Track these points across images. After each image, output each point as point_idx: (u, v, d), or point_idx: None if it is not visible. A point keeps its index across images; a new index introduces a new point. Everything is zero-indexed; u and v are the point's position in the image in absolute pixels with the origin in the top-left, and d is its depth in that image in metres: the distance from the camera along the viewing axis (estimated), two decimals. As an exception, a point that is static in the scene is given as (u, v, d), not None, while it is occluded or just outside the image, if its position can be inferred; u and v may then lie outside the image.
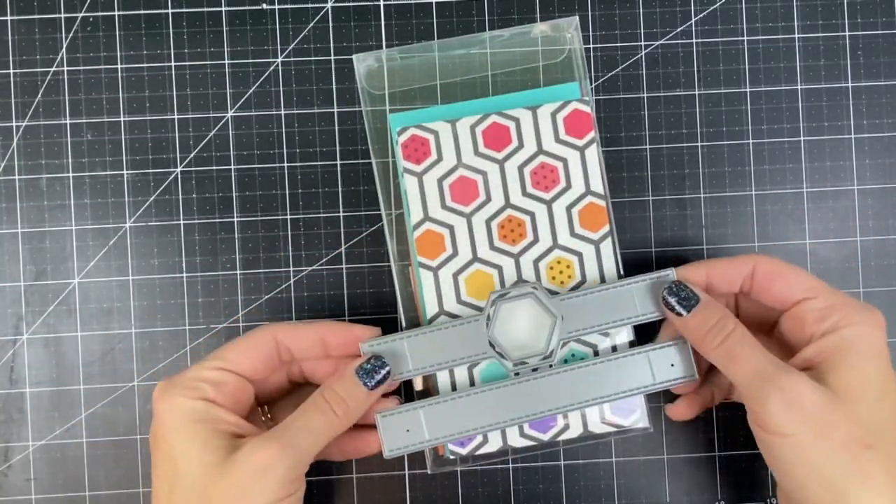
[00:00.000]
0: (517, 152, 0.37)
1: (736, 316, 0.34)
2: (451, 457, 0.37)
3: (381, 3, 0.40)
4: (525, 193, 0.37)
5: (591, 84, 0.40)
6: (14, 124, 0.39)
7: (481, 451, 0.36)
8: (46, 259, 0.39)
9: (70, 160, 0.39)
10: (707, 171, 0.40)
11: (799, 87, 0.40)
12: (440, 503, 0.39)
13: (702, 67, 0.40)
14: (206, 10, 0.40)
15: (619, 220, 0.40)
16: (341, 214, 0.40)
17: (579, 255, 0.37)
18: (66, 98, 0.39)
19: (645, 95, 0.40)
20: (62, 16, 0.40)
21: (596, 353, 0.36)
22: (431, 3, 0.40)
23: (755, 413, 0.32)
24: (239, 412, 0.33)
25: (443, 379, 0.37)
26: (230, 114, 0.39)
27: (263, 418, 0.36)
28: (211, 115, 0.39)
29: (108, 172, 0.39)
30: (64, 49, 0.40)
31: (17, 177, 0.39)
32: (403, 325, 0.38)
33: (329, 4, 0.40)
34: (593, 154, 0.37)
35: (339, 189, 0.40)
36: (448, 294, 0.37)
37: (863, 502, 0.30)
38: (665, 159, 0.40)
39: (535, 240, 0.37)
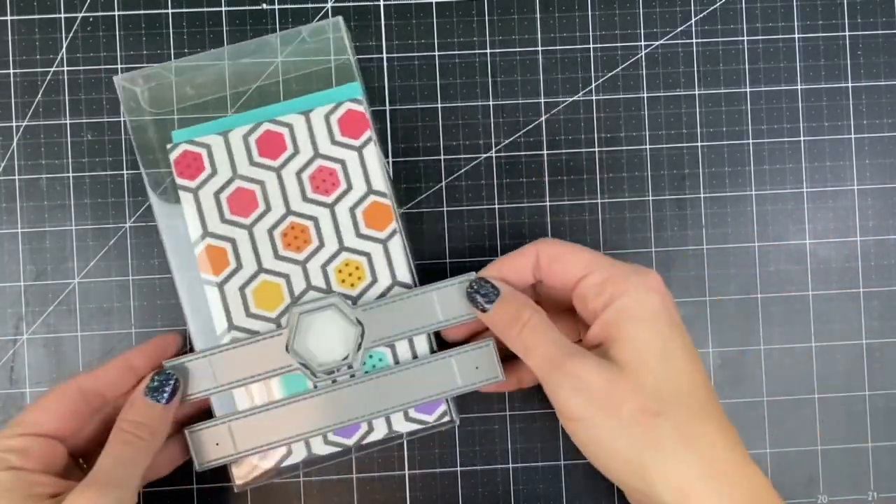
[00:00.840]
0: (293, 158, 0.37)
1: (539, 305, 0.34)
2: (257, 473, 0.36)
3: (381, 3, 0.40)
4: (305, 199, 0.37)
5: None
6: (14, 124, 0.39)
7: (286, 462, 0.36)
8: (46, 259, 0.39)
9: (70, 160, 0.39)
10: (707, 171, 0.40)
11: (799, 87, 0.40)
12: (440, 503, 0.39)
13: (702, 67, 0.40)
14: (206, 10, 0.40)
15: (620, 219, 0.40)
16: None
17: (367, 255, 0.37)
18: (66, 98, 0.39)
19: (645, 95, 0.40)
20: (62, 16, 0.40)
21: (396, 361, 0.37)
22: (431, 3, 0.40)
23: (552, 401, 0.33)
24: (54, 472, 0.33)
25: (240, 394, 0.36)
26: (230, 114, 0.39)
27: (84, 468, 0.36)
28: (210, 116, 0.39)
29: (108, 172, 0.39)
30: (64, 49, 0.40)
31: (17, 177, 0.39)
32: (191, 339, 0.38)
33: (329, 4, 0.40)
34: (372, 153, 0.37)
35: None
36: (236, 308, 0.37)
37: (660, 469, 0.30)
38: (665, 159, 0.40)
39: (321, 244, 0.37)
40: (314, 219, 0.37)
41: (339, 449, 0.37)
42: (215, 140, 0.37)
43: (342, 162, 0.37)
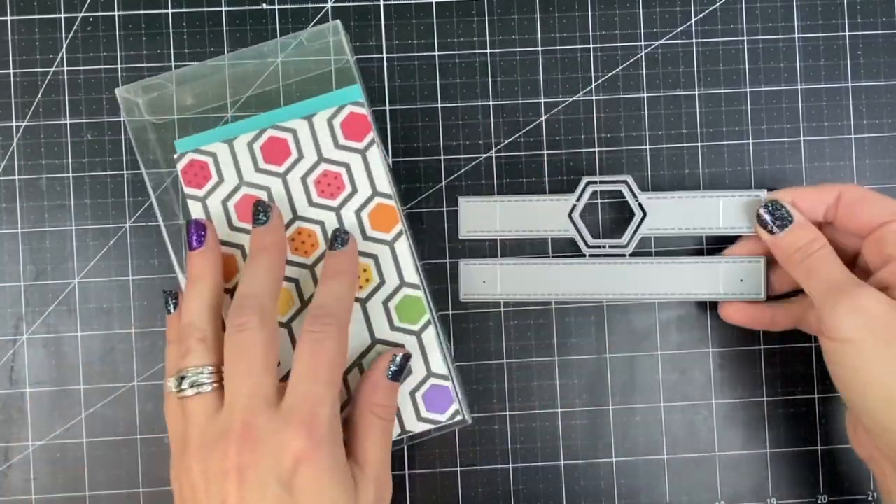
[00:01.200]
0: (298, 163, 0.37)
1: None
2: None
3: (381, 3, 0.40)
4: (312, 204, 0.37)
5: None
6: (14, 124, 0.39)
7: None
8: (46, 259, 0.39)
9: (70, 160, 0.39)
10: (707, 171, 0.40)
11: (799, 87, 0.40)
12: (440, 503, 0.39)
13: (702, 67, 0.40)
14: (206, 10, 0.40)
15: (619, 219, 0.40)
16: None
17: (374, 257, 0.37)
18: (66, 98, 0.39)
19: (645, 95, 0.40)
20: (62, 16, 0.40)
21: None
22: (431, 3, 0.40)
23: (823, 322, 0.33)
24: None
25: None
26: (230, 114, 0.39)
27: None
28: (211, 116, 0.39)
29: (107, 172, 0.39)
30: (64, 49, 0.40)
31: (17, 177, 0.39)
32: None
33: (329, 4, 0.40)
34: (375, 155, 0.37)
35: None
36: None
37: None
38: (665, 159, 0.40)
39: (328, 248, 0.37)
40: (321, 223, 0.37)
41: None
42: (221, 148, 0.37)
43: (346, 165, 0.37)
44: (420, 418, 0.37)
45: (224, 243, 0.37)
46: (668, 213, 0.37)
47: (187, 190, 0.37)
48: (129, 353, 0.39)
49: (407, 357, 0.35)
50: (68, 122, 0.39)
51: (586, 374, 0.40)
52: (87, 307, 0.39)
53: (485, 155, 0.40)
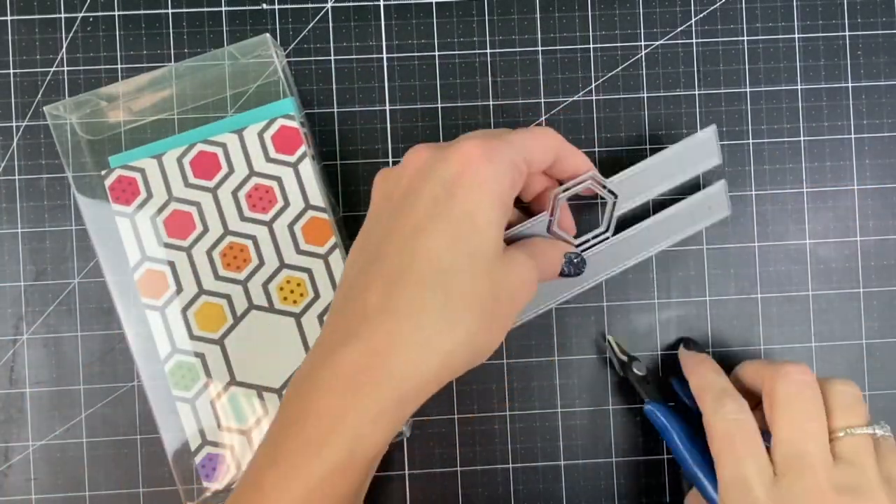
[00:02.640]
0: (229, 178, 0.37)
1: None
2: (207, 494, 0.37)
3: (381, 3, 0.40)
4: (243, 218, 0.37)
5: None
6: (14, 124, 0.39)
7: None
8: (46, 259, 0.39)
9: (70, 160, 0.39)
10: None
11: (799, 87, 0.40)
12: (440, 503, 0.39)
13: (702, 67, 0.40)
14: (206, 10, 0.40)
15: (620, 219, 0.40)
16: (341, 215, 0.40)
17: (308, 271, 0.37)
18: (66, 98, 0.39)
19: (645, 95, 0.40)
20: (62, 16, 0.40)
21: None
22: (431, 3, 0.40)
23: None
24: None
25: None
26: (230, 114, 0.39)
27: None
28: (211, 116, 0.39)
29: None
30: (64, 49, 0.40)
31: (17, 177, 0.39)
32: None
33: (329, 4, 0.40)
34: (307, 168, 0.37)
35: (339, 189, 0.40)
36: (179, 332, 0.37)
37: None
38: (665, 159, 0.40)
39: (261, 263, 0.37)
40: (252, 237, 0.37)
41: None
42: (149, 163, 0.37)
43: (278, 179, 0.37)
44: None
45: (154, 260, 0.37)
46: (636, 185, 0.36)
47: (115, 206, 0.37)
48: (129, 353, 0.39)
49: (581, 262, 0.35)
50: (68, 122, 0.39)
51: (586, 374, 0.40)
52: (87, 307, 0.39)
53: (485, 155, 0.40)
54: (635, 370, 0.38)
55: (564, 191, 0.34)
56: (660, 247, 0.37)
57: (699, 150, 0.37)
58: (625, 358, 0.38)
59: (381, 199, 0.32)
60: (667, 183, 0.37)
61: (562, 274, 0.35)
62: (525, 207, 0.37)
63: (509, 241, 0.34)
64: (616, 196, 0.36)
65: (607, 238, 0.36)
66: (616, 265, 0.37)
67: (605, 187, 0.35)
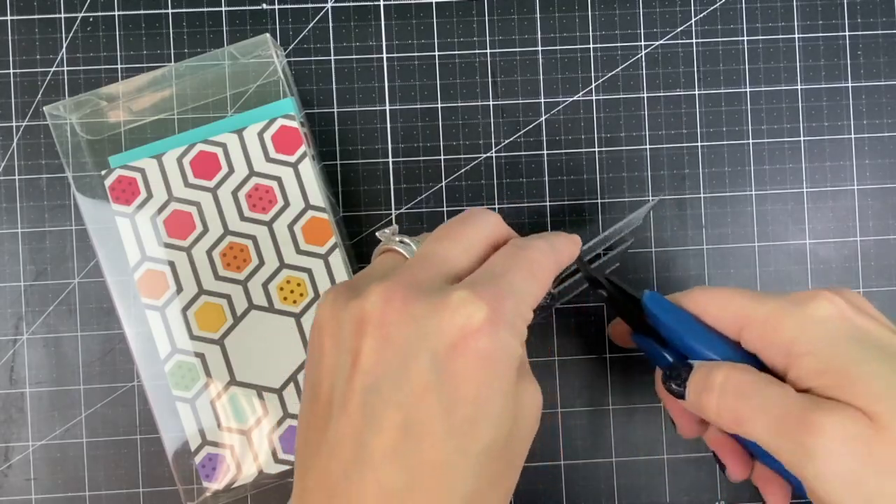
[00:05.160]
0: (229, 178, 0.37)
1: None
2: (207, 494, 0.37)
3: (381, 3, 0.40)
4: (243, 218, 0.37)
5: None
6: (14, 124, 0.39)
7: (237, 483, 0.37)
8: (46, 259, 0.39)
9: (70, 160, 0.39)
10: (707, 171, 0.40)
11: (799, 87, 0.40)
12: (440, 503, 0.39)
13: (702, 67, 0.40)
14: (206, 10, 0.40)
15: (620, 219, 0.40)
16: (341, 215, 0.40)
17: (308, 271, 0.37)
18: (66, 98, 0.39)
19: (645, 95, 0.40)
20: (62, 16, 0.40)
21: None
22: (431, 3, 0.40)
23: (798, 474, 0.26)
24: None
25: None
26: (230, 114, 0.39)
27: None
28: (211, 116, 0.39)
29: (108, 172, 0.39)
30: (64, 49, 0.40)
31: (17, 177, 0.39)
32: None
33: (329, 4, 0.40)
34: (307, 168, 0.37)
35: (339, 189, 0.40)
36: (179, 332, 0.37)
37: None
38: (665, 159, 0.40)
39: (261, 263, 0.37)
40: (252, 237, 0.37)
41: (290, 468, 0.37)
42: (149, 164, 0.37)
43: (278, 179, 0.37)
44: (277, 460, 0.37)
45: (154, 260, 0.37)
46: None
47: (115, 206, 0.37)
48: (129, 353, 0.39)
49: (552, 301, 0.31)
50: (68, 122, 0.39)
51: (586, 374, 0.40)
52: (87, 307, 0.39)
53: (485, 155, 0.40)
54: (606, 271, 0.34)
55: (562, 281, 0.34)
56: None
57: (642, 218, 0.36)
58: (591, 266, 0.34)
59: (328, 360, 0.25)
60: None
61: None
62: None
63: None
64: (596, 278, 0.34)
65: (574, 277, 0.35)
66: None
67: (589, 274, 0.33)
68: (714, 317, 0.29)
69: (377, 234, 0.30)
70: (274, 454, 0.37)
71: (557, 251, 0.28)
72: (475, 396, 0.23)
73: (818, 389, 0.26)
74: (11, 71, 0.39)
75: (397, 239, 0.29)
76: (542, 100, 0.40)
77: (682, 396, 0.29)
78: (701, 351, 0.29)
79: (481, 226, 0.28)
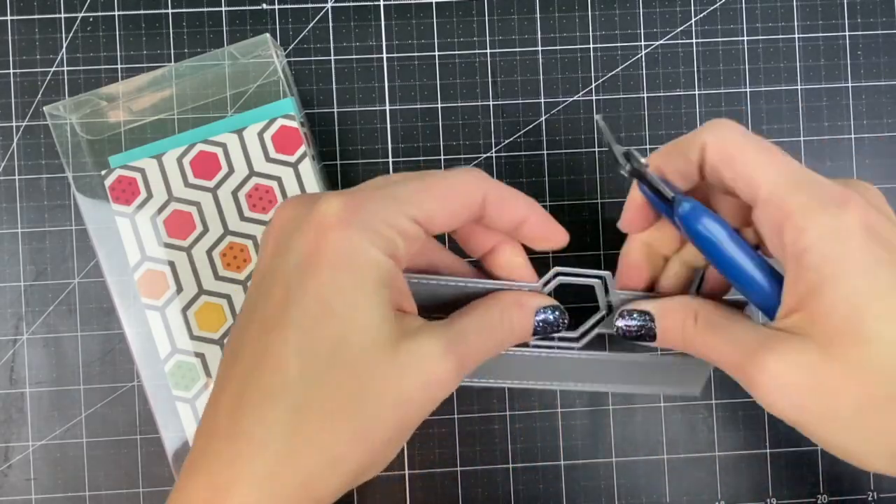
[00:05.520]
0: (229, 178, 0.37)
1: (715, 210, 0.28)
2: None
3: (381, 3, 0.40)
4: (243, 218, 0.37)
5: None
6: (14, 124, 0.39)
7: None
8: (46, 259, 0.39)
9: (70, 160, 0.39)
10: (707, 171, 0.40)
11: (799, 87, 0.40)
12: (440, 503, 0.39)
13: (702, 67, 0.40)
14: (206, 10, 0.40)
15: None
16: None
17: None
18: (66, 98, 0.39)
19: (645, 95, 0.40)
20: (62, 16, 0.40)
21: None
22: (431, 3, 0.40)
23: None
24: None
25: None
26: (230, 114, 0.39)
27: None
28: (211, 116, 0.39)
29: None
30: (64, 49, 0.40)
31: (17, 177, 0.39)
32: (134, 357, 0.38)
33: (329, 4, 0.40)
34: (307, 168, 0.37)
35: (340, 189, 0.40)
36: (179, 332, 0.37)
37: None
38: (665, 159, 0.40)
39: None
40: (252, 237, 0.37)
41: None
42: (149, 164, 0.37)
43: (278, 179, 0.37)
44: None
45: (154, 260, 0.37)
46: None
47: (115, 206, 0.37)
48: (129, 353, 0.39)
49: (563, 314, 0.29)
50: (68, 122, 0.39)
51: (586, 374, 0.40)
52: (87, 307, 0.39)
53: (485, 155, 0.40)
54: (640, 159, 0.29)
55: (559, 274, 0.30)
56: (617, 385, 0.33)
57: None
58: (622, 148, 0.29)
59: (255, 272, 0.26)
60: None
61: (535, 333, 0.29)
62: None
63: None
64: (610, 310, 0.31)
65: (573, 347, 0.32)
66: (565, 381, 0.33)
67: (607, 294, 0.31)
68: (738, 179, 0.26)
69: None
70: None
71: (481, 179, 0.27)
72: (318, 292, 0.23)
73: (797, 306, 0.25)
74: (11, 71, 0.39)
75: None
76: (542, 100, 0.40)
77: (653, 340, 0.29)
78: (726, 258, 0.27)
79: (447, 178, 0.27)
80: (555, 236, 0.29)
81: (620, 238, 0.40)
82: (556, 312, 0.29)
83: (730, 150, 0.26)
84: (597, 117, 0.31)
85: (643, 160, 0.29)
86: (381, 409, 0.23)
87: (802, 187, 0.25)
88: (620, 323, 0.30)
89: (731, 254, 0.27)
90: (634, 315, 0.30)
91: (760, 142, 0.26)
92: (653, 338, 0.30)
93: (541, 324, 0.29)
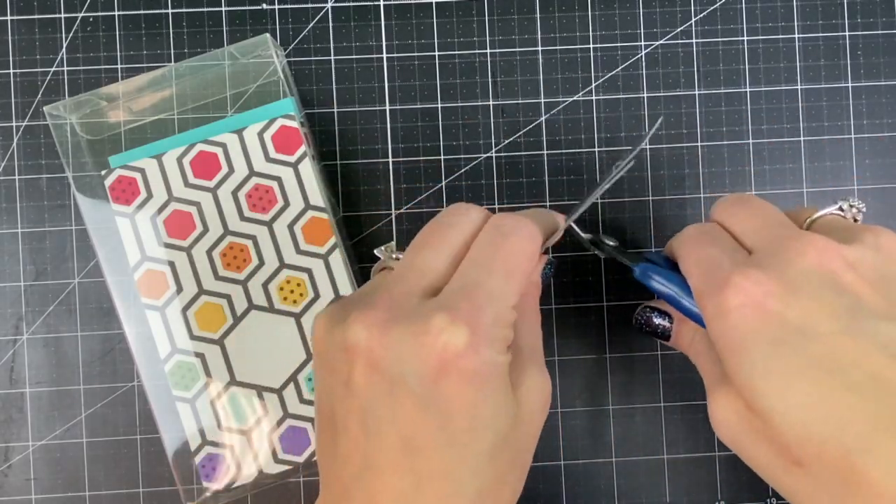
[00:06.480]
0: (229, 178, 0.37)
1: None
2: (207, 494, 0.37)
3: (381, 3, 0.40)
4: (243, 218, 0.37)
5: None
6: (14, 124, 0.39)
7: (237, 483, 0.37)
8: (46, 259, 0.39)
9: (70, 160, 0.39)
10: (707, 171, 0.40)
11: (799, 87, 0.40)
12: (440, 503, 0.39)
13: (702, 67, 0.40)
14: (206, 10, 0.40)
15: (619, 220, 0.40)
16: (341, 215, 0.40)
17: (308, 271, 0.37)
18: (66, 98, 0.39)
19: (645, 95, 0.40)
20: (62, 16, 0.40)
21: None
22: (431, 3, 0.40)
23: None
24: None
25: None
26: (230, 114, 0.39)
27: None
28: (211, 116, 0.39)
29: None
30: (64, 49, 0.40)
31: (17, 177, 0.39)
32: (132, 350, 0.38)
33: (329, 4, 0.40)
34: (307, 168, 0.37)
35: (339, 189, 0.40)
36: (179, 332, 0.37)
37: None
38: (665, 159, 0.40)
39: (261, 263, 0.37)
40: (252, 237, 0.37)
41: (290, 468, 0.37)
42: (149, 163, 0.37)
43: (278, 179, 0.37)
44: (277, 460, 0.37)
45: (153, 260, 0.37)
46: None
47: (115, 206, 0.37)
48: (129, 353, 0.39)
49: (552, 266, 0.32)
50: (68, 122, 0.39)
51: (586, 374, 0.40)
52: (87, 307, 0.39)
53: (485, 155, 0.40)
54: (607, 241, 0.34)
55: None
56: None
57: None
58: (589, 235, 0.35)
59: (331, 391, 0.26)
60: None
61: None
62: None
63: None
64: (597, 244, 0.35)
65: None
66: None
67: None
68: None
69: (375, 251, 0.31)
70: (274, 454, 0.37)
71: (538, 231, 0.28)
72: (467, 410, 0.24)
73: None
74: (11, 71, 0.39)
75: (393, 256, 0.30)
76: (542, 100, 0.40)
77: (667, 340, 0.33)
78: (691, 311, 0.30)
79: (460, 226, 0.28)
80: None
81: (620, 239, 0.40)
82: (551, 266, 0.32)
83: (675, 254, 0.30)
84: (570, 221, 0.33)
85: (610, 242, 0.34)
86: (532, 448, 0.27)
87: (703, 280, 0.27)
88: (638, 319, 0.34)
89: (685, 302, 0.30)
90: (657, 314, 0.33)
91: (691, 253, 0.29)
92: (667, 338, 0.33)
93: (543, 281, 0.32)
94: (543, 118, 0.40)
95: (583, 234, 0.35)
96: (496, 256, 0.27)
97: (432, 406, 0.24)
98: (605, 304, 0.40)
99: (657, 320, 0.33)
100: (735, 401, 0.26)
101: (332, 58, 0.40)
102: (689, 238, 0.30)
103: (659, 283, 0.31)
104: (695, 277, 0.28)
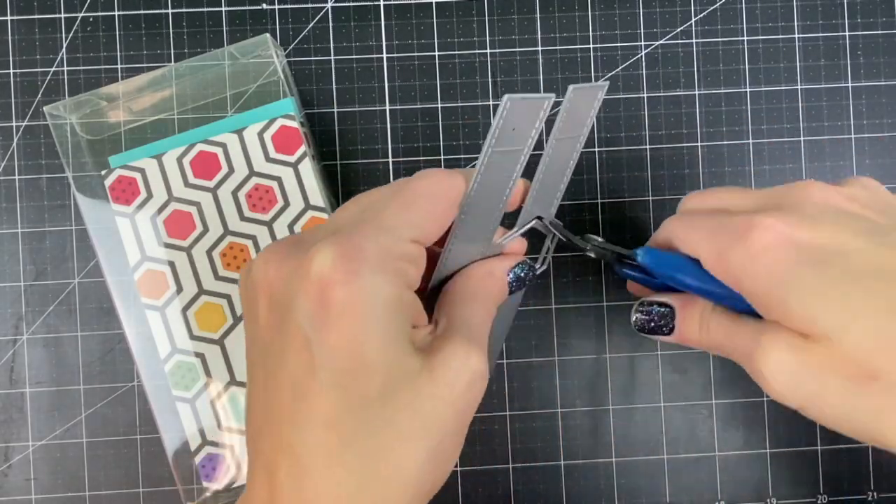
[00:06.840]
0: (229, 178, 0.37)
1: None
2: (207, 494, 0.37)
3: (381, 3, 0.40)
4: (243, 218, 0.37)
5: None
6: (14, 124, 0.39)
7: (237, 483, 0.37)
8: (46, 259, 0.39)
9: (70, 160, 0.39)
10: (707, 171, 0.40)
11: (799, 87, 0.40)
12: (440, 503, 0.39)
13: (702, 67, 0.40)
14: (206, 10, 0.40)
15: (619, 220, 0.40)
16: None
17: None
18: (66, 98, 0.39)
19: (645, 95, 0.40)
20: (62, 16, 0.40)
21: None
22: (431, 3, 0.40)
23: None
24: None
25: None
26: (230, 114, 0.39)
27: None
28: (211, 116, 0.39)
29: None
30: (64, 49, 0.40)
31: (17, 177, 0.39)
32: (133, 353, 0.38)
33: (329, 4, 0.40)
34: (307, 168, 0.37)
35: (339, 189, 0.40)
36: (179, 332, 0.37)
37: None
38: (665, 159, 0.40)
39: None
40: (253, 237, 0.37)
41: None
42: (149, 164, 0.37)
43: (278, 179, 0.37)
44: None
45: (154, 260, 0.37)
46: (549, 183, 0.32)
47: (115, 206, 0.37)
48: (129, 353, 0.39)
49: (531, 267, 0.30)
50: (68, 122, 0.39)
51: (586, 374, 0.40)
52: (87, 307, 0.39)
53: (485, 155, 0.40)
54: (594, 238, 0.33)
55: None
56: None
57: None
58: (579, 237, 0.33)
59: (254, 337, 0.25)
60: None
61: (511, 291, 0.30)
62: None
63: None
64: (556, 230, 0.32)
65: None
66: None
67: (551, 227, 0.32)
68: (686, 250, 0.29)
69: None
70: None
71: (455, 175, 0.27)
72: (347, 345, 0.23)
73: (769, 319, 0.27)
74: (11, 71, 0.39)
75: None
76: (542, 100, 0.40)
77: (670, 333, 0.30)
78: (702, 286, 0.29)
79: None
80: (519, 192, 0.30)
81: (621, 238, 0.40)
82: (525, 267, 0.30)
83: (673, 242, 0.29)
84: (552, 222, 0.32)
85: (599, 240, 0.32)
86: (446, 425, 0.24)
87: (718, 237, 0.27)
88: (637, 316, 0.31)
89: (692, 277, 0.29)
90: (653, 307, 0.31)
91: (693, 222, 0.29)
92: (670, 330, 0.30)
93: (514, 283, 0.30)
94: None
95: (560, 234, 0.33)
96: (395, 194, 0.25)
97: (315, 342, 0.23)
98: (605, 304, 0.40)
99: (659, 309, 0.31)
100: (788, 341, 0.25)
101: (332, 58, 0.40)
102: (682, 219, 0.29)
103: (664, 260, 0.29)
104: (707, 242, 0.27)
